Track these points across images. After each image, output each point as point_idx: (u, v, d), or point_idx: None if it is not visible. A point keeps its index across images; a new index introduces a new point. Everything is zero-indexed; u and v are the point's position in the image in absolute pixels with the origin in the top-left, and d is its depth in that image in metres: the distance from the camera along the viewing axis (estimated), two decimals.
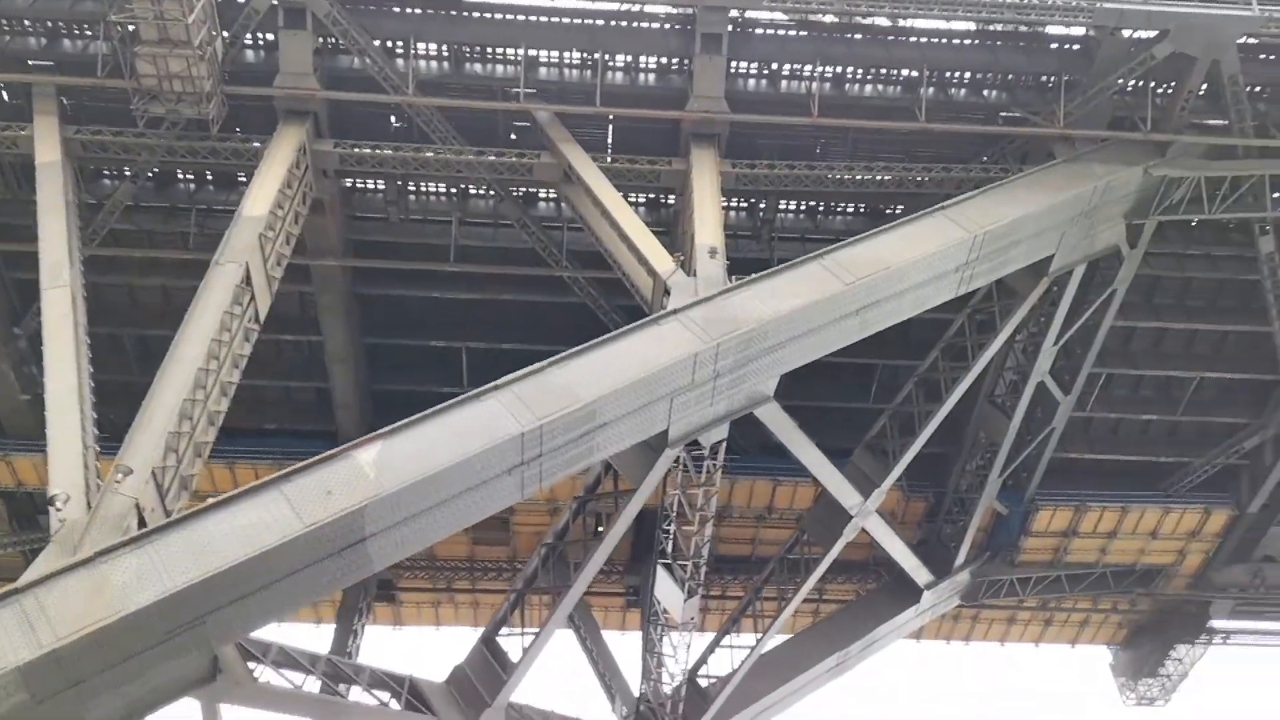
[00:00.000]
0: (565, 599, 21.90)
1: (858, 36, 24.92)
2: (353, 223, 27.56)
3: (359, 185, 27.12)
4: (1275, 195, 25.86)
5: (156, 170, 26.30)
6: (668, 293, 20.68)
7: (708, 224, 22.04)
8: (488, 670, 22.45)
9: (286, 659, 18.86)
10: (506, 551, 34.47)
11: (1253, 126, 25.01)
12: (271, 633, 19.53)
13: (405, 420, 17.33)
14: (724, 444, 21.79)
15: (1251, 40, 24.89)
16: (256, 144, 23.60)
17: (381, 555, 16.83)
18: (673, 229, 26.44)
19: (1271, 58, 25.61)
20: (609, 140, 25.95)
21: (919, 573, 32.25)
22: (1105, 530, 33.80)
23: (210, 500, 16.04)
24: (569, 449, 18.33)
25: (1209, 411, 32.45)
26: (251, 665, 18.10)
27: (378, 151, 23.89)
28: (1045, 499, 33.12)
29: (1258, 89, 25.86)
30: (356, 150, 23.97)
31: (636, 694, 29.06)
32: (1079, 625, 38.16)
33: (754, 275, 20.86)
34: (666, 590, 24.99)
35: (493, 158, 24.18)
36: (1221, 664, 57.60)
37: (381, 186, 26.67)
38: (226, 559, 15.00)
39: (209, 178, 26.90)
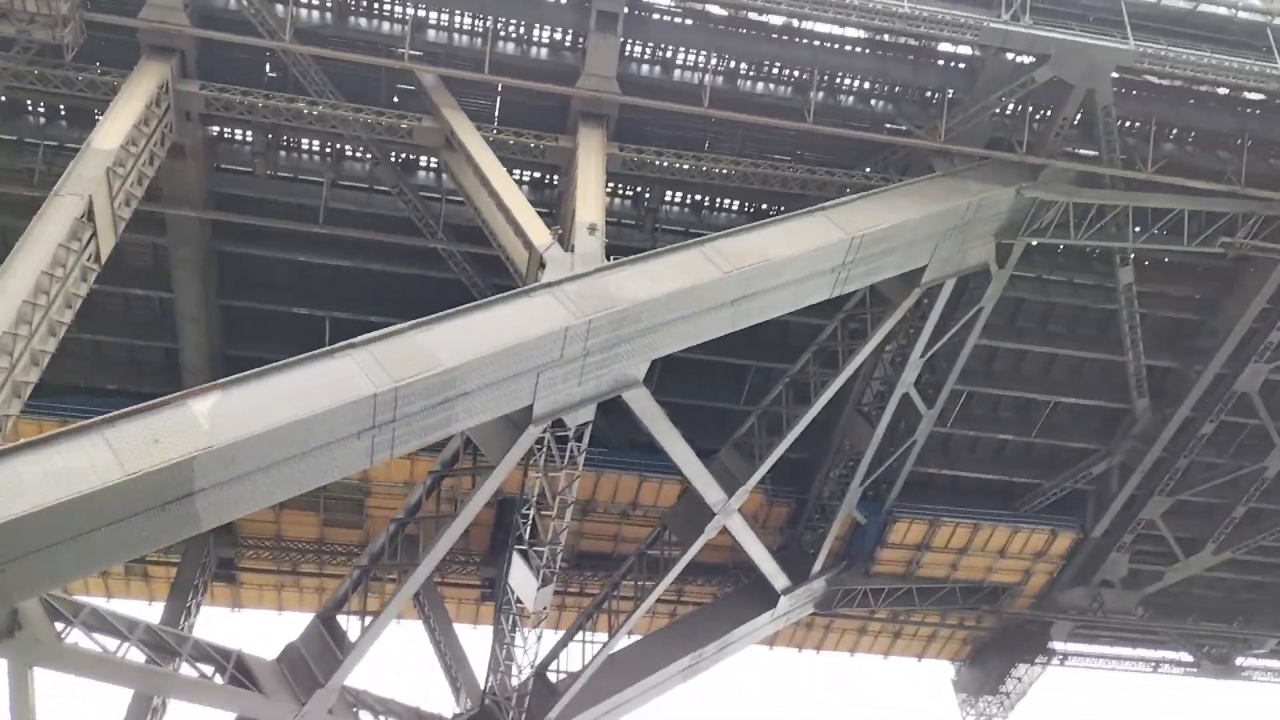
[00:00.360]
0: (411, 579, 20.99)
1: (752, 32, 24.84)
2: (217, 174, 26.13)
3: (226, 135, 25.71)
4: (1137, 229, 26.87)
5: (3, 98, 24.38)
6: (543, 266, 20.10)
7: (590, 203, 21.57)
8: (324, 650, 21.36)
9: (100, 622, 17.51)
10: (359, 536, 33.18)
11: (1121, 159, 25.89)
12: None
13: (249, 372, 16.27)
14: (589, 428, 21.26)
15: (1128, 76, 25.88)
16: (115, 80, 22.05)
17: (211, 513, 15.70)
18: (556, 211, 25.84)
19: (1143, 94, 26.58)
20: (496, 113, 25.25)
21: (777, 578, 32.33)
22: (957, 546, 34.55)
23: (24, 441, 14.69)
24: (426, 416, 17.52)
25: (1062, 436, 33.56)
26: (60, 626, 16.67)
27: (246, 98, 22.61)
28: (903, 511, 33.68)
29: (1129, 123, 26.81)
30: (224, 94, 22.65)
31: (483, 687, 28.22)
32: (926, 639, 38.95)
33: (633, 256, 20.47)
34: (521, 578, 24.28)
35: (370, 117, 23.16)
36: (1060, 686, 60.07)
37: (250, 138, 25.31)
38: (33, 503, 13.70)
39: (61, 111, 25.09)
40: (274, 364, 16.47)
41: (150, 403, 15.48)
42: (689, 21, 24.52)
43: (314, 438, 16.26)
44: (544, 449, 21.70)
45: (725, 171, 24.85)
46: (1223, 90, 26.75)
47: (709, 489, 26.42)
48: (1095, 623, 37.48)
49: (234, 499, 15.89)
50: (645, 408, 21.68)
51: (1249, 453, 33.88)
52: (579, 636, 29.02)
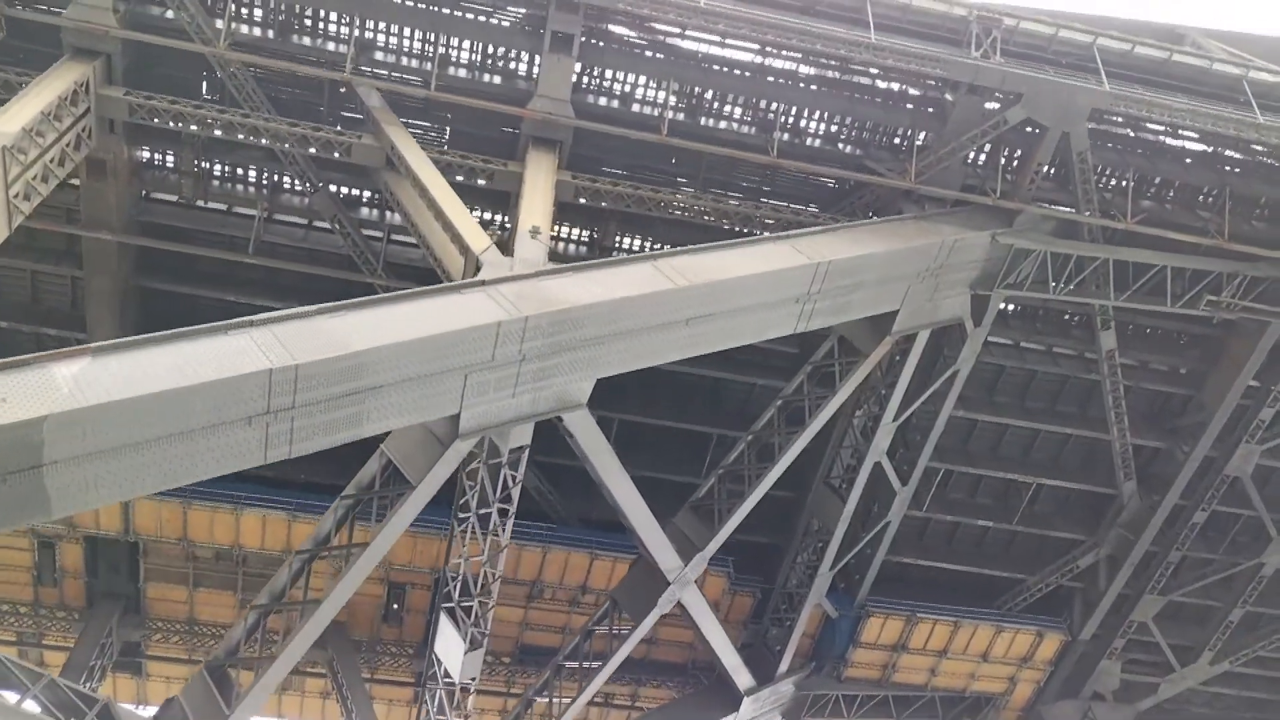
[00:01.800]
0: (313, 620, 18.22)
1: (715, 66, 23.93)
2: (145, 203, 24.53)
3: (156, 161, 24.23)
4: (1118, 290, 25.54)
5: None
6: (479, 270, 18.30)
7: (535, 211, 20.01)
8: (208, 702, 18.40)
9: None
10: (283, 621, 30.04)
11: (1099, 212, 24.78)
12: None
13: (126, 339, 14.18)
14: (525, 455, 19.04)
15: (1104, 126, 25.08)
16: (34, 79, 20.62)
17: (64, 496, 13.30)
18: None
19: (1119, 146, 25.73)
20: (444, 140, 23.99)
21: (740, 674, 29.42)
22: (936, 647, 31.84)
23: None
24: (332, 409, 15.35)
25: (1045, 525, 31.43)
26: None
27: (174, 105, 21.16)
28: (877, 606, 31.11)
29: (1106, 177, 25.82)
30: (150, 101, 21.20)
31: None
32: None
33: (579, 264, 18.75)
34: (448, 642, 21.54)
35: (307, 130, 21.74)
36: None
37: (178, 161, 23.82)
38: None
39: None
40: (156, 334, 14.40)
41: (5, 360, 13.31)
42: (648, 54, 23.58)
43: (195, 415, 14.03)
44: (476, 487, 19.48)
45: (684, 207, 23.43)
46: (1200, 146, 25.97)
47: (663, 553, 23.97)
48: None
49: (93, 481, 13.51)
50: (588, 435, 19.53)
51: (1244, 549, 31.78)
52: None
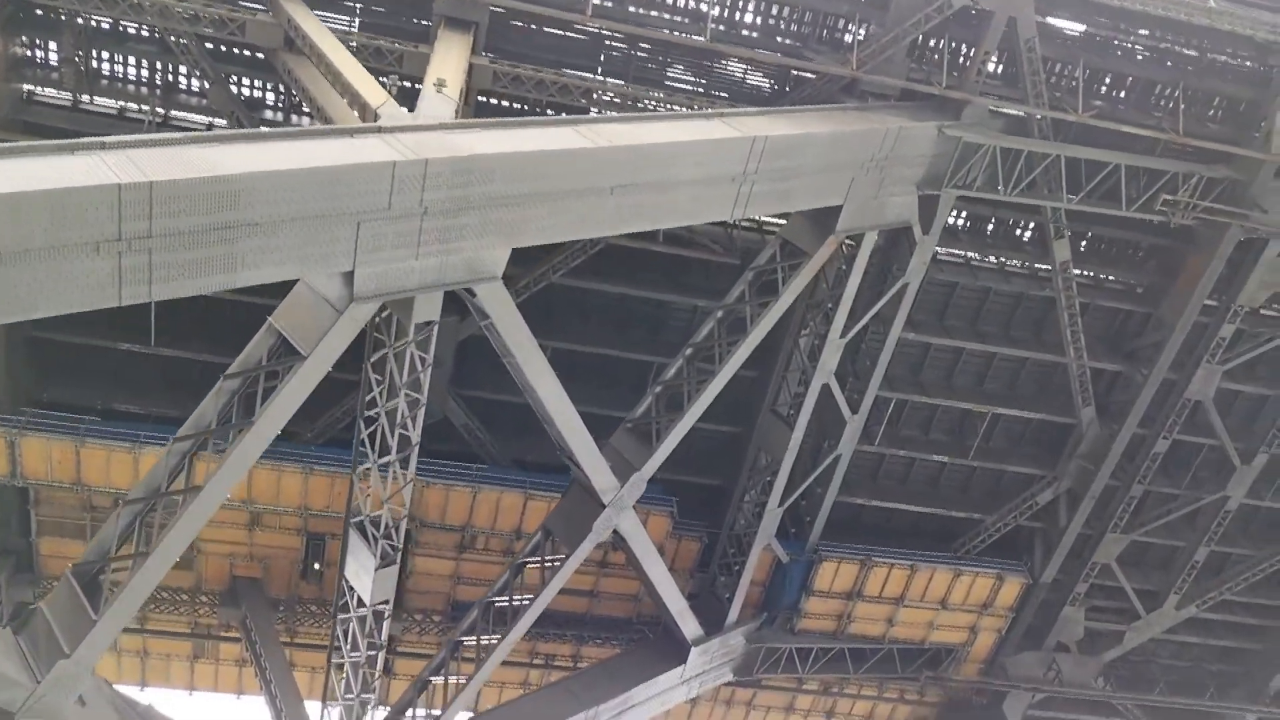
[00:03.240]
0: (196, 506, 16.01)
1: None
2: (26, 104, 22.53)
3: (38, 56, 22.28)
4: (1072, 197, 24.35)
5: None
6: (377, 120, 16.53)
7: (441, 67, 18.31)
8: (75, 609, 16.22)
9: None
10: (190, 578, 27.82)
11: (1050, 107, 23.60)
12: None
13: None
14: (434, 333, 17.20)
15: (1051, 19, 23.97)
16: None
17: None
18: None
19: (1069, 42, 24.62)
20: (353, 26, 22.30)
21: (686, 621, 27.66)
22: (893, 594, 30.22)
23: None
24: (198, 245, 13.48)
25: (1002, 459, 30.05)
26: None
27: None
28: (830, 551, 29.49)
29: (1056, 72, 24.67)
30: None
31: None
32: None
33: (489, 119, 17.09)
34: (357, 561, 19.57)
35: (197, 6, 19.90)
36: None
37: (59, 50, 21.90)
38: None
39: None
40: None
41: None
42: None
43: (30, 231, 12.12)
44: (385, 382, 17.61)
45: (614, 95, 21.85)
46: (1152, 43, 24.94)
47: (598, 472, 22.22)
48: (1052, 694, 32.81)
49: None
50: (503, 315, 17.75)
51: (1206, 484, 30.62)
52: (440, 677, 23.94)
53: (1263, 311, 28.10)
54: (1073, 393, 28.12)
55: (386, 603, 19.91)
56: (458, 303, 24.67)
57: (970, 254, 27.06)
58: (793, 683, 32.36)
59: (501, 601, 23.72)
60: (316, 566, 28.10)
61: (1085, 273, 27.43)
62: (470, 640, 23.78)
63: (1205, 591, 32.11)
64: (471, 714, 26.40)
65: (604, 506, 22.75)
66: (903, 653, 31.75)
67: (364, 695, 21.04)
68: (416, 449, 18.36)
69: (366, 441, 18.44)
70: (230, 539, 27.09)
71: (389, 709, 24.80)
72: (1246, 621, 33.66)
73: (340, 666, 21.04)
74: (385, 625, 20.26)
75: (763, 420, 26.85)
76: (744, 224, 26.29)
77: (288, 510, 26.34)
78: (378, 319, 17.34)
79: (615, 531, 24.27)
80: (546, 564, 23.51)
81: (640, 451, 23.14)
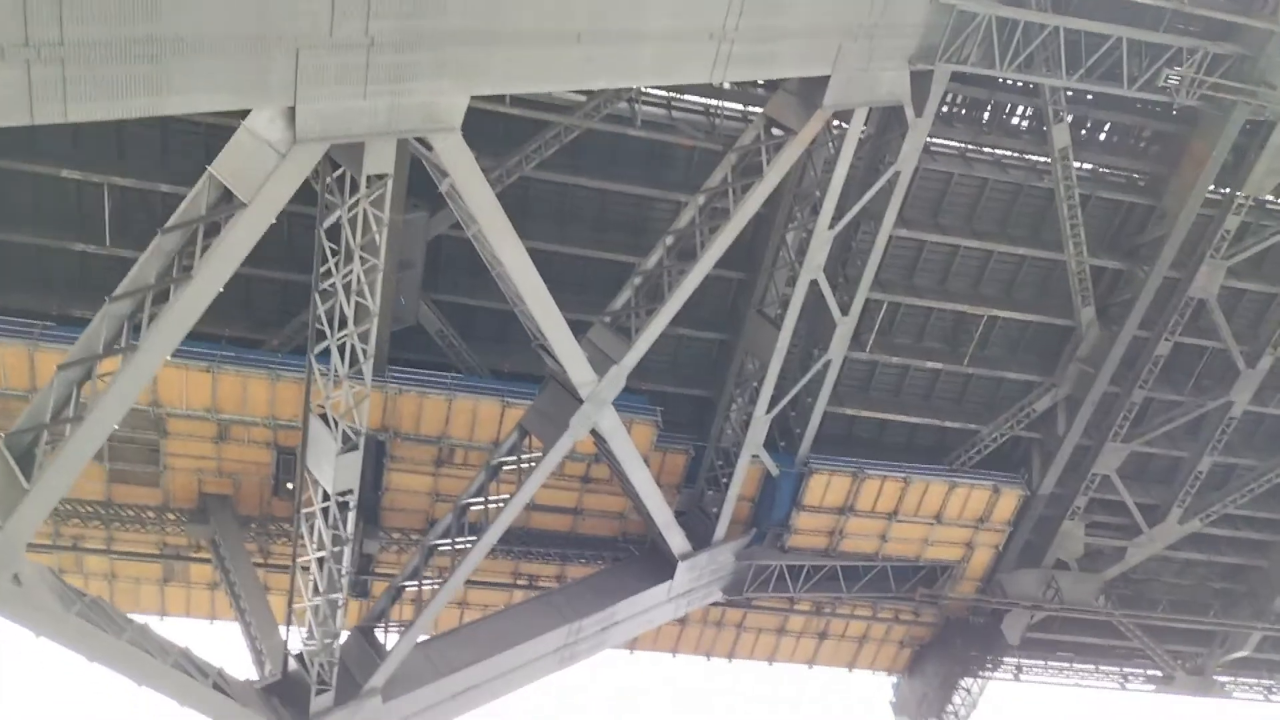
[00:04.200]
0: (141, 357, 14.84)
1: None
2: None
3: None
4: (1071, 74, 23.12)
5: None
6: None
7: None
8: (6, 478, 15.14)
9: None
10: (156, 495, 26.77)
11: None
12: None
13: None
14: (388, 185, 16.00)
15: None
16: None
17: None
18: None
19: None
20: None
21: (672, 533, 26.72)
22: (886, 509, 29.28)
23: None
24: (117, 60, 12.24)
25: (999, 367, 28.99)
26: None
27: None
28: (821, 463, 28.51)
29: None
30: None
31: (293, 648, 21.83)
32: (857, 642, 33.00)
33: None
34: (318, 449, 18.47)
35: None
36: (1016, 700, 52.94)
37: None
38: None
39: None
40: None
41: None
42: None
43: None
44: (340, 251, 16.43)
45: None
46: None
47: (574, 363, 21.11)
48: (1052, 613, 31.94)
49: None
50: (462, 172, 16.53)
51: (1209, 391, 29.61)
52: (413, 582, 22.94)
53: (1269, 205, 27.04)
54: (1072, 293, 27.04)
55: (350, 492, 18.82)
56: (427, 196, 23.72)
57: (965, 145, 25.82)
58: (784, 603, 31.49)
59: (477, 505, 22.65)
60: (290, 485, 27.04)
61: (1085, 166, 26.21)
62: (445, 545, 22.72)
63: (1209, 505, 31.18)
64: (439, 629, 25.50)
65: (581, 402, 21.66)
66: (897, 571, 30.88)
67: (331, 595, 19.99)
68: (376, 321, 17.22)
69: (323, 318, 17.29)
70: (197, 453, 26.02)
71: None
72: (1251, 536, 32.77)
73: (306, 568, 19.98)
74: (350, 518, 19.18)
75: (749, 322, 25.75)
76: (727, 112, 25.08)
77: (256, 421, 25.26)
78: (330, 180, 16.19)
79: (595, 433, 23.26)
80: (523, 465, 22.42)
81: (618, 345, 22.02)
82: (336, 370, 17.40)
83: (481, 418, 25.92)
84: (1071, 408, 28.82)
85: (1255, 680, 35.86)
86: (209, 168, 14.96)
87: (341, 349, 17.29)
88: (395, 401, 25.42)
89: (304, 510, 19.56)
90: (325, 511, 19.05)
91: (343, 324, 17.08)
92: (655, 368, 28.54)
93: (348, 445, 18.22)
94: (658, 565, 27.76)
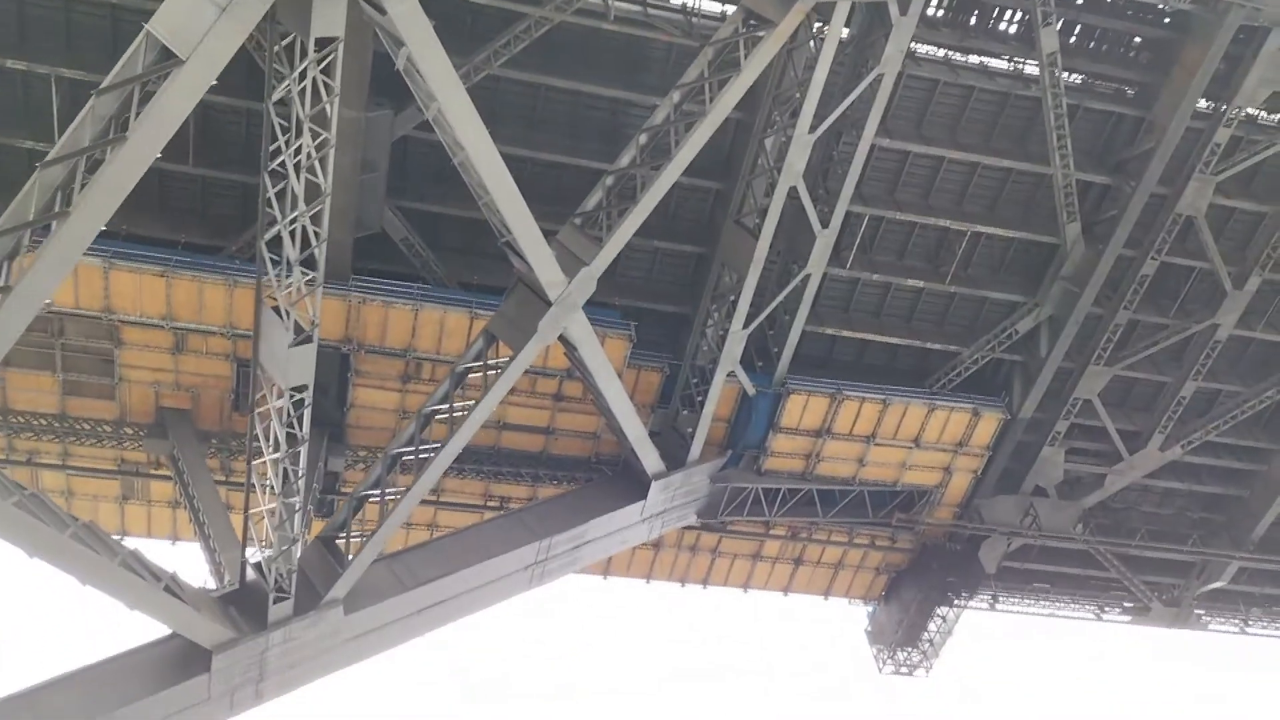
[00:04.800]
0: (68, 230, 14.01)
1: None
2: None
3: None
4: None
5: None
6: None
7: None
8: None
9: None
10: (112, 409, 25.95)
11: None
12: None
13: None
14: (339, 52, 15.05)
15: None
16: None
17: None
18: None
19: None
20: None
21: (647, 452, 26.14)
22: (864, 431, 28.71)
23: None
24: None
25: (982, 287, 28.35)
26: None
27: None
28: (799, 384, 27.88)
29: None
30: None
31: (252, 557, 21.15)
32: (833, 568, 32.60)
33: None
34: (270, 340, 17.67)
35: None
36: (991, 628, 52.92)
37: None
38: None
39: None
40: None
41: None
42: None
43: None
44: (290, 128, 15.50)
45: None
46: None
47: (543, 262, 20.32)
48: (1030, 539, 31.59)
49: None
50: (421, 42, 15.58)
51: (1197, 314, 29.06)
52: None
53: (1260, 121, 26.36)
54: (1057, 209, 26.36)
55: (305, 388, 18.06)
56: (392, 93, 22.77)
57: (951, 51, 24.95)
58: (759, 528, 31.02)
59: (441, 414, 21.91)
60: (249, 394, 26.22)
61: (1073, 78, 25.42)
62: (409, 455, 21.99)
63: (1191, 431, 30.75)
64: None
65: (550, 305, 20.90)
66: (874, 496, 30.38)
67: (288, 499, 19.27)
68: (328, 201, 16.35)
69: (274, 201, 16.39)
70: (154, 365, 25.19)
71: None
72: (1232, 466, 32.43)
73: (263, 471, 19.21)
74: (306, 416, 18.41)
75: (726, 232, 24.97)
76: (705, 11, 24.09)
77: (213, 329, 24.39)
78: (277, 49, 15.23)
79: (565, 341, 22.54)
80: (489, 372, 21.66)
81: (589, 247, 21.24)
82: (288, 256, 16.56)
83: (449, 329, 25.12)
84: (1054, 328, 28.25)
85: (1232, 612, 35.71)
86: (147, 25, 14.00)
87: (293, 234, 16.44)
88: (359, 311, 24.59)
89: (258, 410, 18.78)
90: (280, 410, 18.28)
91: (294, 205, 16.21)
92: (630, 283, 27.81)
93: (300, 337, 17.42)
94: (631, 485, 27.15)
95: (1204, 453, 31.77)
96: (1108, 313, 28.05)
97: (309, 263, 16.75)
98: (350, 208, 23.73)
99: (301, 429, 18.62)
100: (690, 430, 27.19)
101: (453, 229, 26.05)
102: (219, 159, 24.16)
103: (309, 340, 17.53)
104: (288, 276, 16.84)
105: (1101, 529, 32.52)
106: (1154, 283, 27.98)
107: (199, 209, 25.04)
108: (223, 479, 27.01)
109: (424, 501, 29.00)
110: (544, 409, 27.63)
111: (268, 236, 16.71)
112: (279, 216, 16.40)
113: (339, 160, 22.78)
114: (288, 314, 17.19)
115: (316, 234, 16.55)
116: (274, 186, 16.35)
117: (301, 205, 16.13)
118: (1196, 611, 35.31)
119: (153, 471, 27.38)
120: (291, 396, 18.11)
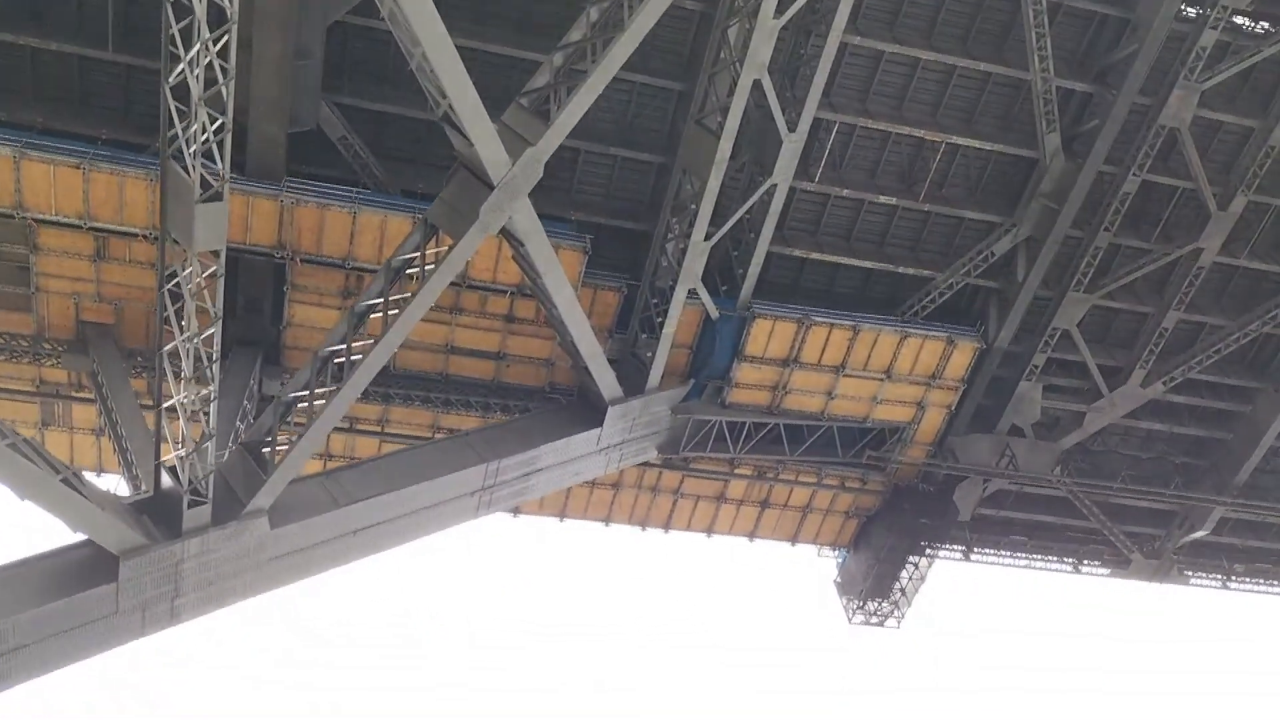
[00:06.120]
0: None
1: None
2: None
3: None
4: None
5: None
6: None
7: None
8: None
9: None
10: (28, 322, 24.18)
11: None
12: None
13: None
14: None
15: None
16: None
17: None
18: None
19: None
20: None
21: (602, 373, 24.71)
22: (833, 361, 27.31)
23: None
24: None
25: (957, 206, 27.04)
26: None
27: None
28: (765, 309, 26.46)
29: None
30: None
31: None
32: (800, 512, 31.13)
33: None
34: (176, 198, 16.02)
35: None
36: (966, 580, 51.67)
37: None
38: None
39: None
40: None
41: None
42: None
43: None
44: None
45: None
46: None
47: (485, 141, 18.78)
48: (1007, 478, 30.26)
49: None
50: None
51: (1180, 239, 27.82)
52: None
53: (1245, 27, 25.20)
54: (1036, 118, 25.09)
55: (217, 255, 16.42)
56: None
57: None
58: (723, 467, 29.52)
59: (376, 311, 20.27)
60: None
61: None
62: (340, 354, 20.32)
63: (1172, 367, 29.52)
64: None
65: (493, 188, 19.35)
66: (844, 433, 28.98)
67: (201, 388, 17.59)
68: (234, 31, 14.72)
69: (178, 38, 14.74)
70: (73, 273, 23.50)
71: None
72: (1215, 406, 31.24)
73: (175, 355, 17.50)
74: (219, 288, 16.75)
75: (687, 135, 23.49)
76: None
77: (136, 231, 22.69)
78: None
79: (511, 236, 21.03)
80: (428, 267, 20.07)
81: (535, 127, 19.72)
82: (193, 95, 14.93)
83: (390, 236, 23.47)
84: (1032, 251, 26.99)
85: (1214, 566, 34.52)
86: None
87: (198, 74, 14.80)
88: (292, 214, 22.95)
89: (167, 287, 17.10)
90: (190, 282, 16.61)
91: (199, 35, 14.59)
92: (587, 200, 26.27)
93: (209, 193, 15.77)
94: (587, 412, 25.63)
95: (1186, 391, 30.57)
96: (1087, 235, 26.79)
97: (216, 104, 15.13)
98: (283, 100, 22.11)
99: (214, 304, 16.96)
100: (649, 355, 25.70)
101: (397, 131, 24.46)
102: (145, 47, 22.46)
103: (218, 197, 15.89)
104: (193, 123, 15.22)
105: (1081, 474, 31.24)
106: (1135, 207, 26.80)
107: (122, 104, 23.36)
108: (150, 403, 25.28)
109: (369, 433, 27.64)
110: (495, 331, 26.08)
111: (172, 78, 15.11)
112: (181, 52, 14.79)
113: (268, 48, 21.57)
114: (193, 166, 15.56)
115: (224, 69, 14.92)
116: (178, 21, 14.74)
117: (206, 33, 14.51)
118: (1178, 564, 34.08)
119: (74, 394, 25.62)
120: (202, 265, 16.47)
